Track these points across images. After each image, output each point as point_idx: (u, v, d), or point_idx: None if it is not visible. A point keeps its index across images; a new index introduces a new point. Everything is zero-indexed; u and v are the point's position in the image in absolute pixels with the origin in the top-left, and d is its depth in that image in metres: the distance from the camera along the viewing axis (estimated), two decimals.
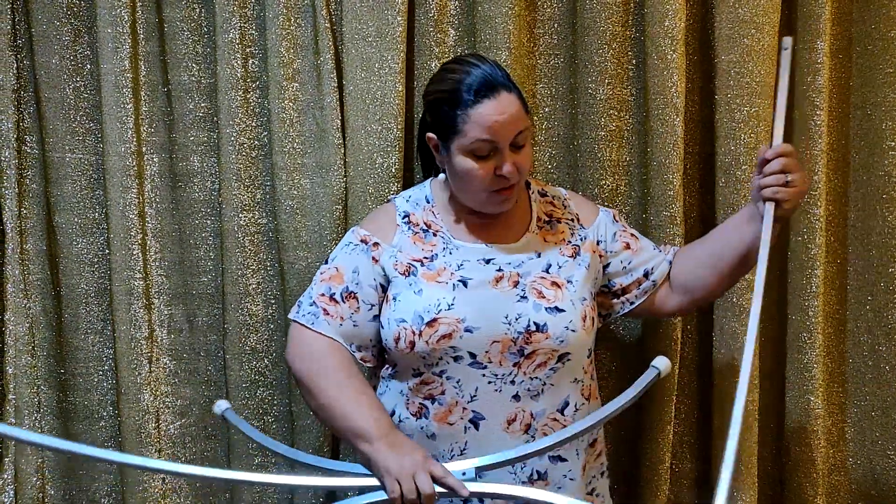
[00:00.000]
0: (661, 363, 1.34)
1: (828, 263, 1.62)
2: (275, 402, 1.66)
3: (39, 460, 1.68)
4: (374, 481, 1.18)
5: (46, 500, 1.69)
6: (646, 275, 1.39)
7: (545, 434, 1.26)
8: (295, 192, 1.61)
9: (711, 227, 1.60)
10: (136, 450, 1.64)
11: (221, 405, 1.39)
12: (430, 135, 1.28)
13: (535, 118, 1.65)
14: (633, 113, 1.62)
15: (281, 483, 1.19)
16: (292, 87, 1.60)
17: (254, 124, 1.63)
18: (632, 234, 1.41)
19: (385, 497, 1.16)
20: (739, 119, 1.54)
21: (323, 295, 1.30)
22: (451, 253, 1.30)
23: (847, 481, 1.67)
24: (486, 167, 1.22)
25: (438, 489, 1.14)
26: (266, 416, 1.66)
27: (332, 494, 1.67)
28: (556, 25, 1.63)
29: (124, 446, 1.64)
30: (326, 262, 1.34)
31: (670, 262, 1.41)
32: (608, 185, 1.62)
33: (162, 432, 1.68)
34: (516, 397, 1.24)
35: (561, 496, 1.17)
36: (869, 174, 1.60)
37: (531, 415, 1.25)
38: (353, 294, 1.29)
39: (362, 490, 1.20)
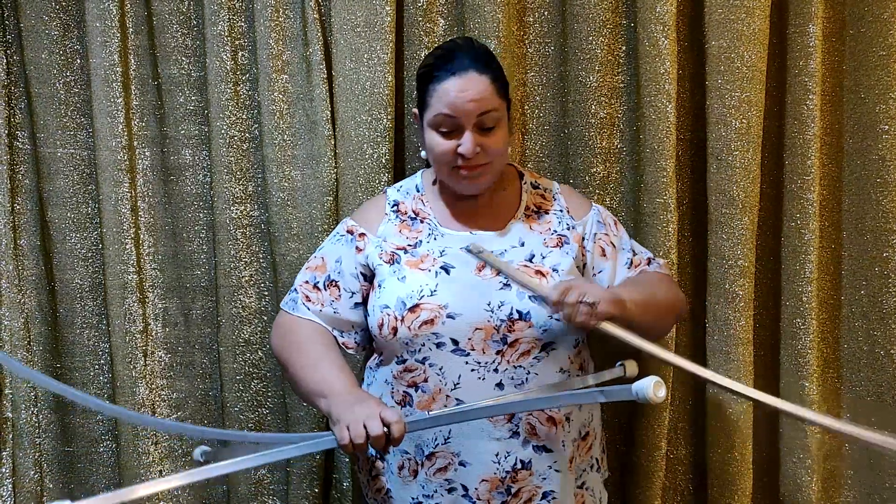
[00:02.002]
0: (631, 368, 1.36)
1: (822, 249, 1.61)
2: (269, 393, 1.66)
3: (37, 453, 1.69)
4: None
5: (45, 493, 1.70)
6: None
7: (530, 424, 1.26)
8: (286, 184, 1.61)
9: (704, 213, 1.60)
10: (131, 442, 1.64)
11: (198, 453, 1.36)
12: (415, 110, 1.33)
13: (526, 106, 1.64)
14: (624, 100, 1.61)
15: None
16: (282, 79, 1.60)
17: (244, 117, 1.63)
18: (611, 242, 1.39)
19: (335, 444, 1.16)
20: (730, 104, 1.53)
21: (306, 282, 1.35)
22: (435, 239, 1.32)
23: (843, 467, 1.66)
24: (449, 144, 1.25)
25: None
26: (260, 408, 1.66)
27: (327, 484, 1.68)
28: (545, 13, 1.62)
29: (121, 439, 1.65)
30: (315, 252, 1.39)
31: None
32: (600, 173, 1.62)
33: None
34: (500, 386, 1.24)
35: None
36: (863, 158, 1.58)
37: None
38: (334, 282, 1.33)
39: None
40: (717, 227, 1.57)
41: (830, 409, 1.66)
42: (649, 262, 1.42)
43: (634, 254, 1.41)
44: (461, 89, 1.23)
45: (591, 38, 1.58)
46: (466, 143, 1.23)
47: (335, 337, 1.34)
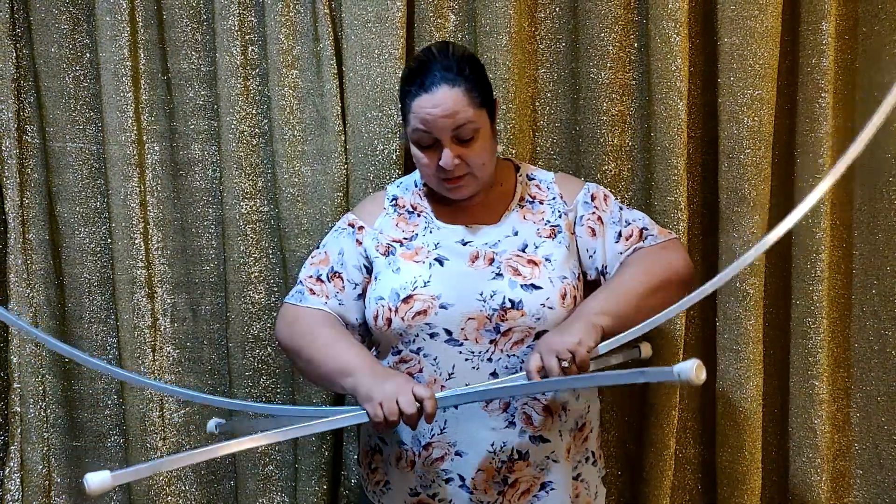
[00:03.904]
0: (646, 350, 1.38)
1: (833, 247, 1.61)
2: (278, 390, 1.66)
3: (45, 448, 1.69)
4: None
5: (52, 487, 1.70)
6: (601, 272, 1.36)
7: (525, 414, 1.26)
8: (296, 180, 1.61)
9: (715, 212, 1.60)
10: (140, 437, 1.65)
11: (212, 425, 1.38)
12: (402, 119, 1.34)
13: (537, 103, 1.64)
14: (635, 97, 1.60)
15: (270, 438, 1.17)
16: (292, 75, 1.60)
17: (254, 112, 1.63)
18: (598, 218, 1.36)
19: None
20: (742, 102, 1.52)
21: (311, 277, 1.36)
22: (431, 233, 1.33)
23: (852, 467, 1.66)
24: (430, 157, 1.27)
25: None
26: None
27: (336, 481, 1.68)
28: (557, 9, 1.62)
29: (128, 434, 1.65)
30: (318, 247, 1.40)
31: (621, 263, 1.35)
32: (610, 171, 1.61)
33: (166, 420, 1.69)
34: (494, 375, 1.25)
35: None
36: (875, 157, 1.58)
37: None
38: (338, 274, 1.34)
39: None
40: (728, 225, 1.56)
41: (840, 408, 1.65)
42: (641, 233, 1.36)
43: (626, 224, 1.37)
44: (433, 105, 1.23)
45: (602, 34, 1.58)
46: (445, 158, 1.25)
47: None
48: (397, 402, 1.12)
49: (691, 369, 1.02)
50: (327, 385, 1.33)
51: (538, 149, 1.64)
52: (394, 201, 1.39)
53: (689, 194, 1.58)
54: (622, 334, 1.18)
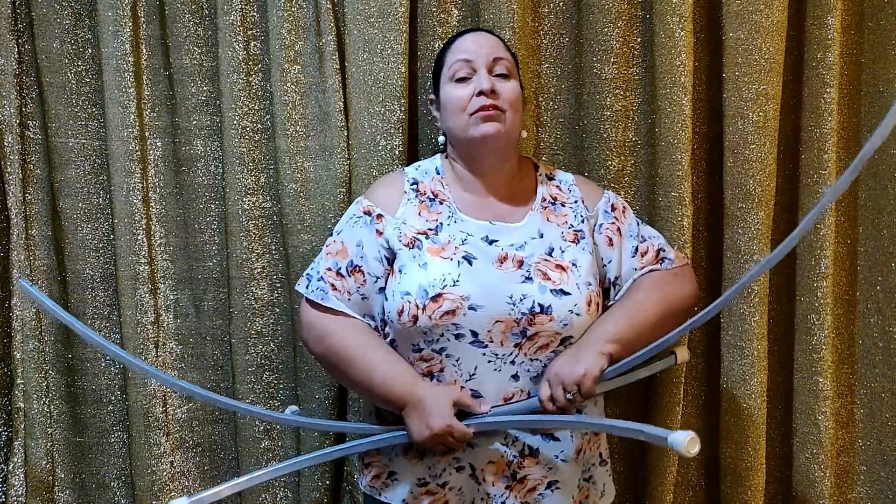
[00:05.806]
0: (682, 355, 1.44)
1: (837, 244, 1.60)
2: (280, 385, 1.66)
3: (49, 443, 1.69)
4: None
5: (56, 483, 1.70)
6: (613, 283, 1.37)
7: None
8: (298, 176, 1.60)
9: (719, 208, 1.59)
10: (143, 433, 1.65)
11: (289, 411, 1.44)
12: (429, 97, 1.40)
13: (540, 98, 1.63)
14: (639, 92, 1.60)
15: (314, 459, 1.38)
16: (294, 70, 1.59)
17: (256, 107, 1.62)
18: (617, 230, 1.37)
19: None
20: (748, 97, 1.51)
21: (330, 269, 1.32)
22: (455, 223, 1.31)
23: (856, 463, 1.66)
24: (466, 89, 1.30)
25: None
26: (272, 399, 1.66)
27: (339, 477, 1.68)
28: (560, 4, 1.61)
29: (132, 430, 1.65)
30: (332, 235, 1.36)
31: (634, 281, 1.36)
32: (614, 166, 1.60)
33: (169, 416, 1.69)
34: (515, 377, 1.25)
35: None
36: (880, 153, 1.57)
37: (529, 395, 1.26)
38: (358, 268, 1.31)
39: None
40: (733, 221, 1.55)
41: (844, 404, 1.65)
42: (658, 253, 1.38)
43: (643, 240, 1.38)
44: (475, 40, 1.33)
45: (606, 29, 1.57)
46: (482, 78, 1.29)
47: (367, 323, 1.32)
48: (443, 443, 1.24)
49: (683, 441, 1.08)
50: (363, 398, 1.41)
51: (542, 144, 1.64)
52: (414, 185, 1.35)
53: (693, 190, 1.57)
54: (625, 360, 1.27)
